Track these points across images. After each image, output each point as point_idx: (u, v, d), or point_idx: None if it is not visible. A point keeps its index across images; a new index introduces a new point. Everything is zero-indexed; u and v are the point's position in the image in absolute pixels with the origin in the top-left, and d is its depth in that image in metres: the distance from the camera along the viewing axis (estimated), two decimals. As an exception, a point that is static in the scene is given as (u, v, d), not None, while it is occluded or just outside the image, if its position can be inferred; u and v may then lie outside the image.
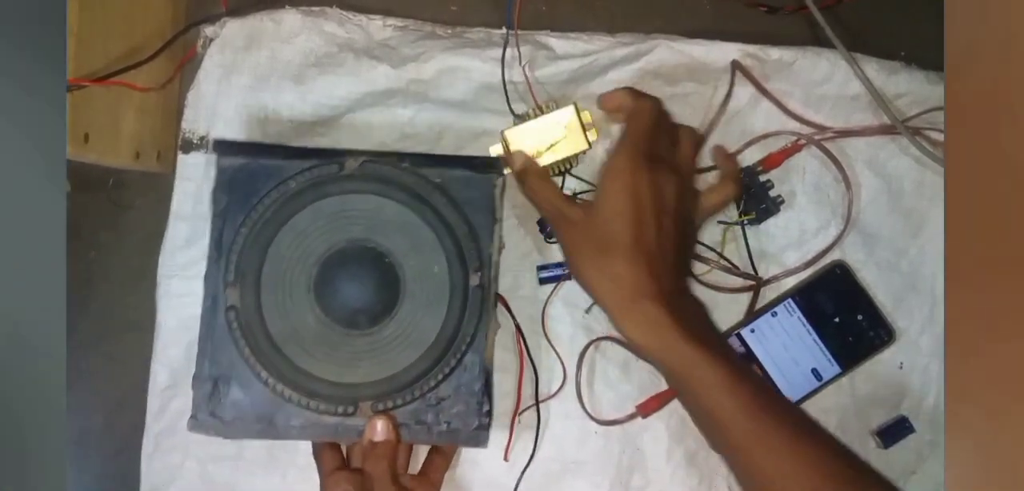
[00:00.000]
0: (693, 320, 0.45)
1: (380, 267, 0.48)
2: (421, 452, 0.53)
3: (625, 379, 0.56)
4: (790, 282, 0.56)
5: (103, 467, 0.57)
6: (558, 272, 0.56)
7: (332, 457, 0.49)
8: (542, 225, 0.56)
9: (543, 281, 0.56)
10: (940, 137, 0.55)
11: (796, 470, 0.42)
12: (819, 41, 0.57)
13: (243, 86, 0.56)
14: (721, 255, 0.56)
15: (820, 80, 0.57)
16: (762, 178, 0.56)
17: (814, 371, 0.55)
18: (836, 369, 0.55)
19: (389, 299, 0.48)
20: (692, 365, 0.44)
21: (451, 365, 0.48)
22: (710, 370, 0.43)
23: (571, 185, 0.56)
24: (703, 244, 0.56)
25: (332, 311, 0.48)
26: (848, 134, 0.56)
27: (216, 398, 0.48)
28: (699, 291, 0.56)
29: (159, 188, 0.57)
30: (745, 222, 0.56)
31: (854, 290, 0.56)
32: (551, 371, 0.56)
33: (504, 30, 0.58)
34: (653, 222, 0.46)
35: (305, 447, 0.55)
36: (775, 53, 0.56)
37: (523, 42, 0.56)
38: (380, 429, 0.47)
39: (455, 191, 0.49)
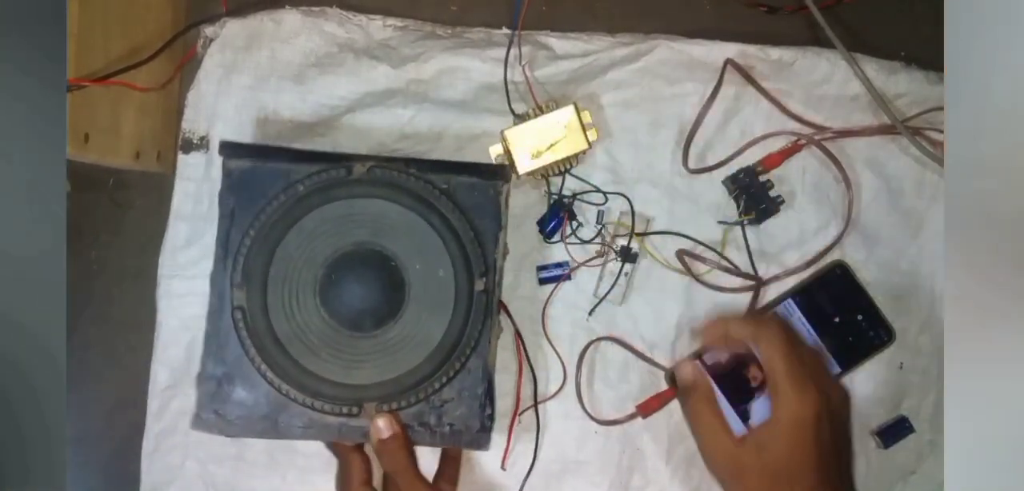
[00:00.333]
0: None
1: (386, 270, 0.49)
2: (428, 454, 0.53)
3: (625, 379, 0.56)
4: (790, 282, 0.56)
5: (103, 467, 0.57)
6: (558, 272, 0.56)
7: (361, 467, 0.49)
8: (542, 225, 0.56)
9: (543, 281, 0.56)
10: (940, 137, 0.55)
11: None
12: (819, 41, 0.57)
13: (243, 86, 0.56)
14: (721, 255, 0.56)
15: (820, 80, 0.57)
16: (762, 178, 0.56)
17: (814, 371, 0.55)
18: (836, 369, 0.55)
19: (394, 302, 0.48)
20: None
21: (455, 369, 0.49)
22: None
23: (571, 185, 0.56)
24: (703, 244, 0.56)
25: (338, 313, 0.48)
26: (848, 134, 0.56)
27: (220, 397, 0.48)
28: (699, 291, 0.56)
29: (159, 188, 0.57)
30: (745, 222, 0.56)
31: (854, 290, 0.56)
32: (551, 371, 0.56)
33: (504, 30, 0.58)
34: (834, 457, 0.45)
35: (305, 448, 0.55)
36: (775, 53, 0.57)
37: (523, 42, 0.56)
38: (383, 425, 0.47)
39: (461, 197, 0.49)
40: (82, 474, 0.57)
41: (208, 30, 0.57)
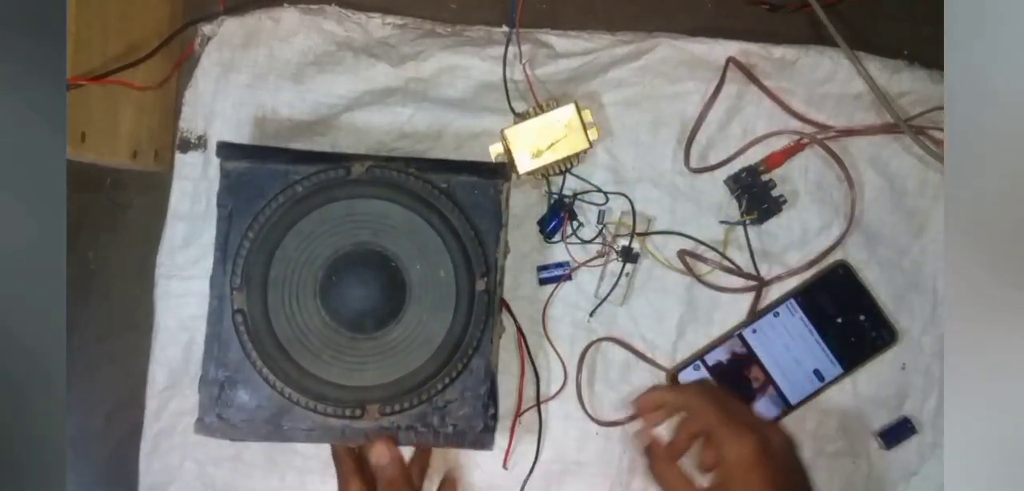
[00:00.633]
0: None
1: (386, 271, 0.48)
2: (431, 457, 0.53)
3: (626, 380, 0.56)
4: (792, 282, 0.56)
5: (103, 467, 0.57)
6: (558, 273, 0.56)
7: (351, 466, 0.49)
8: (542, 225, 0.56)
9: (543, 281, 0.56)
10: (943, 136, 0.55)
11: None
12: (822, 39, 0.57)
13: (241, 85, 0.56)
14: (723, 255, 0.55)
15: (822, 79, 0.56)
16: (764, 177, 0.56)
17: (816, 372, 0.55)
18: (838, 369, 0.55)
19: (395, 303, 0.48)
20: None
21: (457, 369, 0.48)
22: None
23: (572, 185, 0.56)
24: (704, 244, 0.55)
25: (338, 315, 0.48)
26: (851, 133, 0.56)
27: (223, 401, 0.48)
28: (701, 291, 0.56)
29: (157, 187, 0.57)
30: (747, 222, 0.55)
31: (856, 290, 0.55)
32: (551, 372, 0.56)
33: (504, 28, 0.57)
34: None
35: (304, 450, 0.55)
36: (777, 51, 0.56)
37: (523, 40, 0.56)
38: (381, 452, 0.47)
39: (461, 196, 0.49)
40: (82, 474, 0.57)
41: (206, 28, 0.56)
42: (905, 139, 0.55)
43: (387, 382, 0.48)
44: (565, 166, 0.55)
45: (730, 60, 0.55)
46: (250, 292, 0.47)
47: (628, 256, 0.55)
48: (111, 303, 0.58)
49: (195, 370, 0.52)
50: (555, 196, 0.56)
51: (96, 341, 0.57)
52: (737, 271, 0.55)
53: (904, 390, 0.56)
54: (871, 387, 0.56)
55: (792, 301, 0.56)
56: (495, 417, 0.49)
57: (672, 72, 0.56)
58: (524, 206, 0.56)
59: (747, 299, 0.56)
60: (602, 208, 0.56)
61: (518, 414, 0.55)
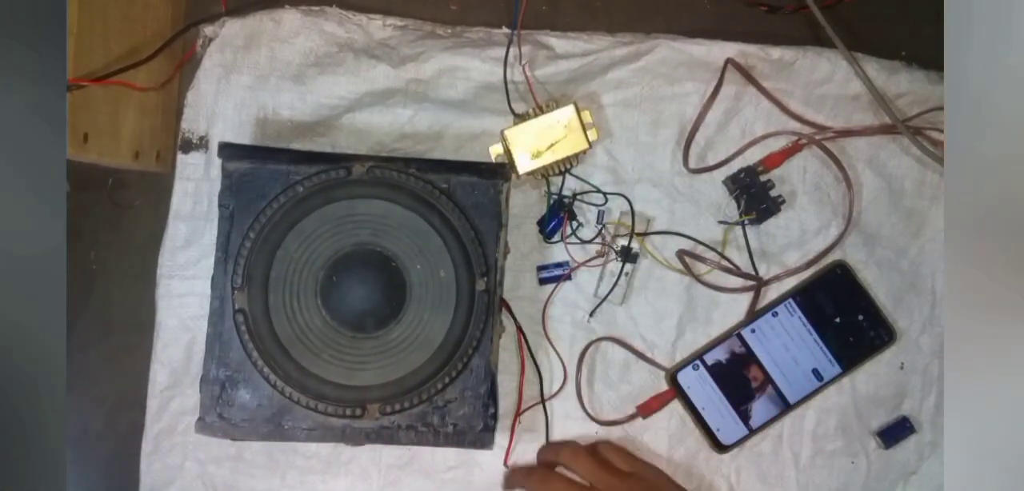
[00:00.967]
0: None
1: (387, 271, 0.49)
2: (428, 454, 0.54)
3: (625, 380, 0.56)
4: (791, 282, 0.56)
5: (103, 467, 0.57)
6: (558, 272, 0.56)
7: None
8: (542, 225, 0.56)
9: (543, 281, 0.56)
10: (941, 137, 0.55)
11: None
12: (820, 40, 0.57)
13: (243, 86, 0.56)
14: (722, 255, 0.56)
15: (821, 80, 0.57)
16: (763, 178, 0.56)
17: (815, 371, 0.55)
18: (837, 369, 0.55)
19: (396, 303, 0.48)
20: None
21: (458, 368, 0.49)
22: None
23: (571, 185, 0.56)
24: (703, 244, 0.56)
25: (339, 314, 0.48)
26: (849, 134, 0.56)
27: (224, 400, 0.48)
28: (700, 291, 0.56)
29: (159, 188, 0.57)
30: (746, 222, 0.56)
31: (855, 290, 0.56)
32: (551, 372, 0.56)
33: (504, 29, 0.58)
34: None
35: (304, 449, 0.55)
36: (775, 53, 0.56)
37: (523, 41, 0.56)
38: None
39: (461, 196, 0.49)
40: (82, 474, 0.57)
41: (207, 30, 0.57)
42: (903, 140, 0.56)
43: (387, 381, 0.48)
44: (565, 166, 0.55)
45: (729, 61, 0.56)
46: (251, 292, 0.48)
47: (627, 256, 0.55)
48: (112, 303, 0.58)
49: (196, 370, 0.52)
50: (555, 196, 0.56)
51: (97, 341, 0.57)
52: (736, 271, 0.56)
53: (902, 389, 0.56)
54: (870, 386, 0.56)
55: (791, 301, 0.56)
56: (495, 416, 0.49)
57: (671, 73, 0.57)
58: (524, 206, 0.56)
59: (746, 299, 0.56)
60: (601, 208, 0.56)
61: (518, 413, 0.55)
